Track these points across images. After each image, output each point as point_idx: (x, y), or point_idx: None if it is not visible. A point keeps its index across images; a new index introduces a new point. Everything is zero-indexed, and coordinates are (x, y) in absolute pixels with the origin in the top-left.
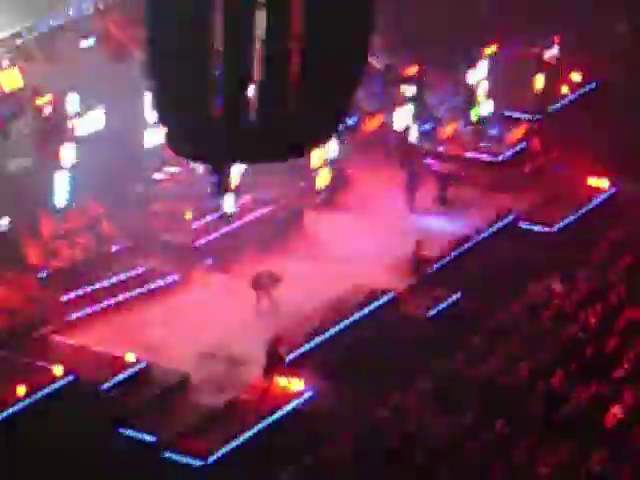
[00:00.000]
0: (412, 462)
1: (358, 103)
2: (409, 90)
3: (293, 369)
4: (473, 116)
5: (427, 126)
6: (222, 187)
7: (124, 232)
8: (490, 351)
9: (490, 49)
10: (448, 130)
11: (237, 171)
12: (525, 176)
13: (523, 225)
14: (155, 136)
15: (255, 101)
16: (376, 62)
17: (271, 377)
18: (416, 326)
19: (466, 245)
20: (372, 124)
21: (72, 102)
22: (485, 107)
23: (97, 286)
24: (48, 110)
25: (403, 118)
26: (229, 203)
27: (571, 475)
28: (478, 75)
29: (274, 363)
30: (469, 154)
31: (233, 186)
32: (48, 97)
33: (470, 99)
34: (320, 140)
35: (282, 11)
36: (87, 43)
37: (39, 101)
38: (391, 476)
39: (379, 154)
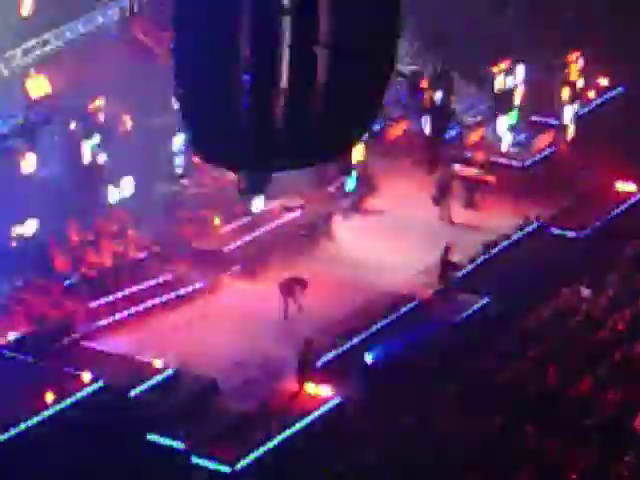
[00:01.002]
0: (442, 467)
1: (383, 109)
2: (435, 96)
3: (322, 375)
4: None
5: (454, 132)
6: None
7: (152, 238)
8: (519, 355)
9: (515, 60)
10: (475, 136)
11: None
12: (555, 181)
13: (551, 230)
14: (183, 142)
15: (283, 106)
16: (402, 68)
17: (302, 381)
18: (444, 331)
19: (494, 250)
20: (397, 130)
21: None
22: (512, 115)
23: (125, 293)
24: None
25: (431, 124)
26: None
27: (600, 479)
28: (504, 85)
29: (305, 367)
30: (496, 159)
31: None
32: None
33: (496, 108)
34: (347, 145)
35: (309, 15)
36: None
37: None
38: None
39: (405, 160)
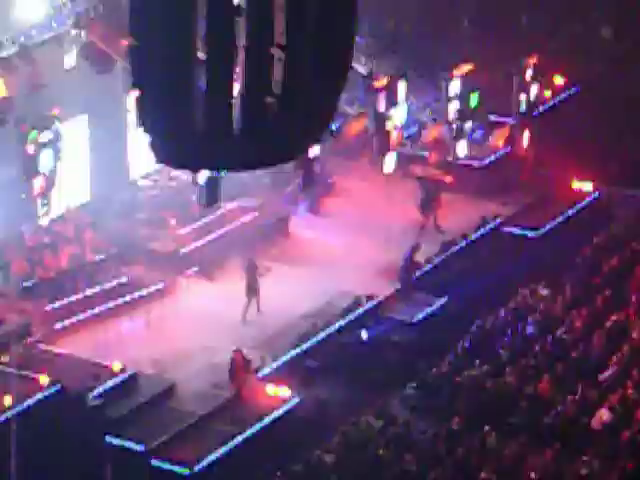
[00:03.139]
0: (400, 468)
1: (341, 108)
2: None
3: (280, 376)
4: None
5: (411, 130)
6: (210, 197)
7: (109, 241)
8: (477, 356)
9: (469, 65)
10: (432, 134)
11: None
12: (512, 181)
13: (508, 229)
14: (139, 144)
15: (239, 107)
16: (359, 66)
17: (241, 385)
18: (402, 331)
19: (452, 250)
20: (354, 129)
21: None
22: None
23: (82, 295)
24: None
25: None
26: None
27: (559, 478)
28: (459, 88)
29: (240, 372)
30: (453, 159)
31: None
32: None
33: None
34: (305, 146)
35: (264, 18)
36: (69, 60)
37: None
38: None
39: (363, 159)
